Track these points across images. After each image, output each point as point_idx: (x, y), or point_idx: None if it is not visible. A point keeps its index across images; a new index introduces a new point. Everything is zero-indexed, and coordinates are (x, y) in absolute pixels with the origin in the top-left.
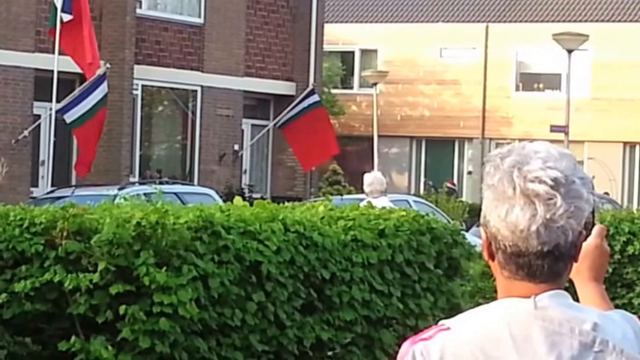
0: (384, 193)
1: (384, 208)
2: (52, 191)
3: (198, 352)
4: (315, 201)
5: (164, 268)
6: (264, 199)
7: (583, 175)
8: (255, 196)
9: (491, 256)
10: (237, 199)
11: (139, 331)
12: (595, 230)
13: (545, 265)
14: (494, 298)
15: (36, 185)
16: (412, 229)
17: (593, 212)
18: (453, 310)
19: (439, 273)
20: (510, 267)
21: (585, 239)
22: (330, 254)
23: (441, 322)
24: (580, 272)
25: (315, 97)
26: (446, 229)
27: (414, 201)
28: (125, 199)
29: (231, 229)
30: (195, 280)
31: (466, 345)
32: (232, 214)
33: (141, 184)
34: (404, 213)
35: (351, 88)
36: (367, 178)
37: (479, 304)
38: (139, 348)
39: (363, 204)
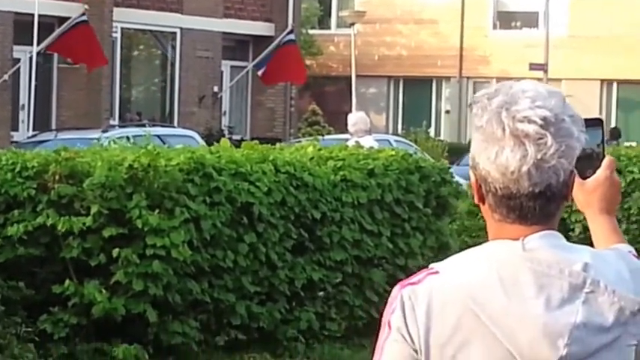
0: (368, 132)
1: (371, 147)
2: (34, 135)
3: (191, 294)
4: (297, 142)
5: (156, 211)
6: (243, 140)
7: (573, 112)
8: (235, 137)
9: (482, 199)
10: (224, 141)
11: (132, 274)
12: (605, 162)
13: (537, 206)
14: (481, 237)
15: (16, 129)
16: (401, 169)
17: (603, 144)
18: (442, 249)
19: (428, 212)
20: (501, 210)
21: (593, 173)
22: (320, 194)
23: (430, 266)
24: (591, 205)
25: (291, 36)
26: (434, 167)
27: (395, 140)
28: (114, 141)
29: (223, 171)
30: (188, 223)
31: (454, 289)
32: (223, 155)
33: (121, 126)
34: (393, 152)
35: (329, 28)
36: (351, 118)
37: (466, 243)
38: (133, 291)
39: (350, 143)
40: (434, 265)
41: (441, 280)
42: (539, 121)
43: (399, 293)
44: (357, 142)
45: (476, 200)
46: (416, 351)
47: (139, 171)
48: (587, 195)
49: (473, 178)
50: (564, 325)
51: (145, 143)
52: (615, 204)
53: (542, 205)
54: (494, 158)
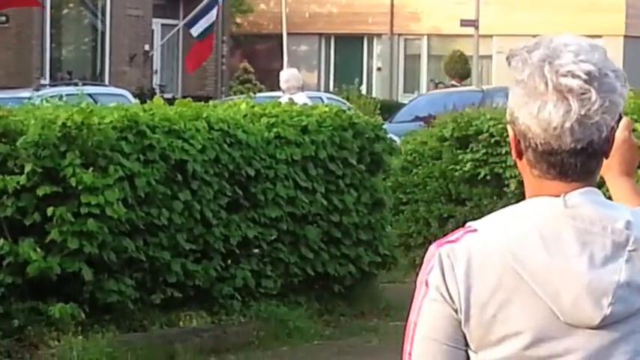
0: (300, 89)
1: (305, 104)
2: None
3: (126, 252)
4: (229, 100)
5: (90, 169)
6: (175, 98)
7: (615, 67)
8: (166, 96)
9: (519, 155)
10: (157, 99)
11: (67, 233)
12: (622, 123)
13: (578, 162)
14: (415, 193)
15: None
16: (335, 125)
17: None
18: (376, 206)
19: (362, 168)
20: (541, 165)
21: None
22: (254, 152)
23: (468, 224)
24: (610, 168)
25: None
26: (368, 124)
27: (327, 97)
28: (47, 100)
29: (156, 128)
30: (122, 180)
31: (494, 246)
32: (156, 113)
33: (52, 85)
34: (326, 109)
35: None
36: (283, 74)
37: (400, 199)
38: (68, 249)
39: (282, 100)
40: (471, 224)
41: (481, 238)
42: (584, 76)
43: (437, 252)
44: (290, 99)
45: (513, 155)
46: (456, 310)
47: (72, 129)
48: (607, 159)
49: (511, 133)
50: (608, 284)
51: (77, 102)
52: (634, 165)
53: (583, 162)
54: (537, 113)
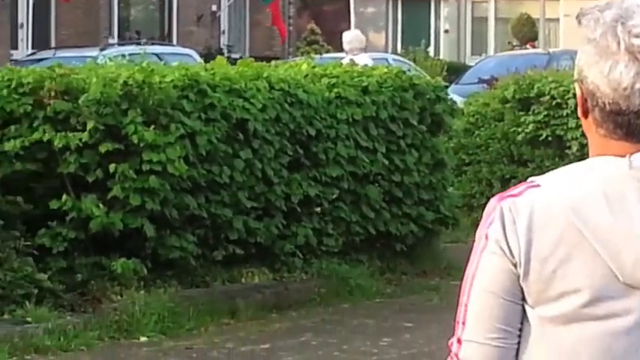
0: (363, 50)
1: (366, 65)
2: (33, 53)
3: (188, 209)
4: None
5: (152, 127)
6: (242, 58)
7: None
8: (234, 56)
9: (585, 113)
10: (219, 59)
11: (129, 189)
12: None
13: None
14: (478, 154)
15: (16, 47)
16: (395, 86)
17: None
18: (438, 166)
19: (423, 129)
20: (607, 125)
21: None
22: (315, 111)
23: (530, 179)
24: None
25: None
26: (428, 85)
27: (393, 59)
28: (110, 59)
29: (217, 88)
30: (183, 138)
31: (557, 202)
32: (217, 72)
33: (120, 44)
34: (386, 70)
35: None
36: (346, 35)
37: (462, 160)
38: (130, 205)
39: (344, 61)
40: (534, 179)
41: (543, 194)
42: None
43: (498, 205)
44: (351, 60)
45: (579, 114)
46: (515, 265)
47: (133, 87)
48: None
49: (578, 92)
50: None
51: (140, 61)
52: None
53: None
54: (607, 73)
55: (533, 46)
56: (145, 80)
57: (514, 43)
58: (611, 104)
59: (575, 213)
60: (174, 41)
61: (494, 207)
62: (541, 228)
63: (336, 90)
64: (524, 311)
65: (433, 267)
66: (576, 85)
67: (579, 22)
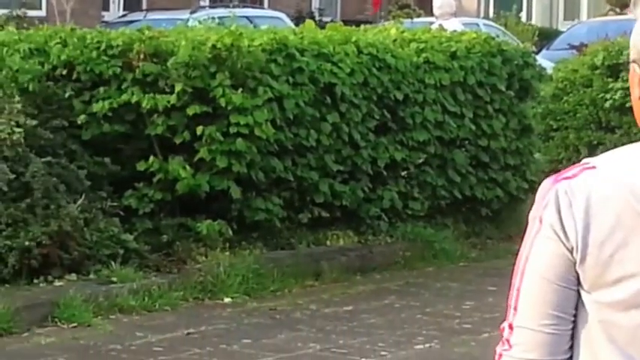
0: (453, 15)
1: (455, 30)
2: (124, 15)
3: (274, 172)
4: (385, 24)
5: (239, 90)
6: (334, 22)
7: None
8: (325, 19)
9: None
10: (309, 23)
11: (216, 152)
12: None
13: None
14: (566, 120)
15: (107, 9)
16: (483, 52)
17: None
18: (525, 132)
19: (510, 94)
20: None
21: None
22: (402, 76)
23: (584, 160)
24: None
25: None
26: (517, 51)
27: (484, 24)
28: (199, 22)
29: (305, 52)
30: (271, 102)
31: (615, 185)
32: (305, 36)
33: (211, 7)
34: (475, 35)
35: None
36: (437, 1)
37: (550, 126)
38: (217, 168)
39: (434, 26)
40: (589, 160)
41: (600, 176)
42: None
43: (554, 187)
44: (440, 25)
45: (636, 95)
46: (571, 250)
47: (222, 51)
48: None
49: (633, 72)
50: None
51: (230, 24)
52: None
53: None
54: None
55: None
56: (234, 44)
57: (609, 8)
58: None
59: (634, 195)
60: (266, 4)
61: (549, 189)
62: (598, 211)
63: (424, 55)
64: (579, 296)
65: (518, 231)
66: (634, 66)
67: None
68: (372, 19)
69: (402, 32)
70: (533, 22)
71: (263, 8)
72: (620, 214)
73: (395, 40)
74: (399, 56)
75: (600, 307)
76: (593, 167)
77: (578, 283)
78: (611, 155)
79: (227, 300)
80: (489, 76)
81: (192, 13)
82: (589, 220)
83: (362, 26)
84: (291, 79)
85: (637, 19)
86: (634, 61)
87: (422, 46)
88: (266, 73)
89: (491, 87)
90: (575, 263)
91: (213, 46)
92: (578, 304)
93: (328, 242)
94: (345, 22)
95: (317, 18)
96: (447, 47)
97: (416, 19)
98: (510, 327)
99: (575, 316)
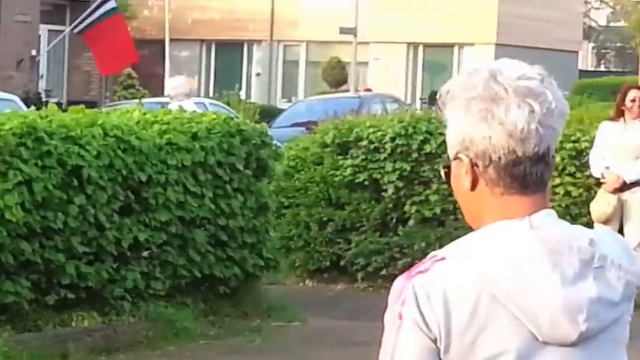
0: (188, 96)
1: (194, 111)
2: None
3: (23, 255)
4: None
5: None
6: (60, 103)
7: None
8: (52, 100)
9: (475, 183)
10: (52, 106)
11: None
12: None
13: (538, 172)
14: (297, 197)
15: None
16: (223, 132)
17: None
18: (262, 209)
19: (249, 173)
20: (505, 180)
21: None
22: (146, 157)
23: (432, 253)
24: None
25: (112, 4)
26: (255, 130)
27: (210, 103)
28: None
29: (54, 135)
30: (20, 185)
31: (468, 273)
32: (54, 120)
33: None
34: (215, 116)
35: None
36: (172, 82)
37: (282, 203)
38: None
39: (171, 107)
40: (437, 252)
41: (452, 266)
42: (537, 77)
43: (409, 283)
44: (180, 106)
45: (464, 187)
46: (434, 340)
47: None
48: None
49: (459, 168)
50: (582, 301)
51: None
52: None
53: (542, 171)
54: (504, 116)
55: (369, 90)
56: None
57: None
58: (507, 154)
59: (487, 281)
60: None
61: (404, 286)
62: (456, 300)
63: (167, 136)
64: None
65: (255, 308)
66: (455, 164)
67: (444, 101)
68: (98, 100)
69: (145, 114)
70: (252, 100)
71: None
72: (477, 301)
73: (138, 122)
74: (143, 138)
75: None
76: (443, 259)
77: None
78: (459, 246)
79: None
80: (229, 155)
81: None
82: (449, 309)
83: (102, 108)
84: (40, 162)
85: (447, 120)
86: (454, 159)
87: (164, 127)
88: (16, 156)
89: (230, 166)
90: (439, 352)
91: None
92: None
93: (74, 323)
94: (72, 103)
95: (44, 99)
96: (189, 128)
97: (145, 100)
98: None
99: None
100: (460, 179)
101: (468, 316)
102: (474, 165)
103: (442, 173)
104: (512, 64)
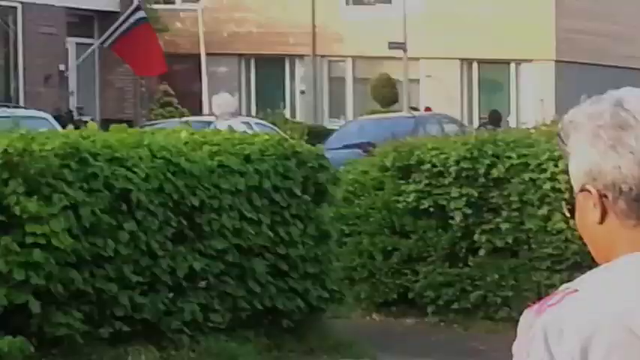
0: (234, 114)
1: (244, 132)
2: None
3: (73, 284)
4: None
5: (34, 197)
6: (93, 121)
7: None
8: (84, 118)
9: (604, 216)
10: (92, 125)
11: (13, 263)
12: None
13: None
14: (358, 225)
15: None
16: (278, 154)
17: None
18: (323, 238)
19: (307, 199)
20: (638, 212)
21: None
22: (198, 181)
23: (564, 286)
24: None
25: (142, 13)
26: (310, 152)
27: (256, 123)
28: None
29: (99, 156)
30: (66, 210)
31: (603, 309)
32: (97, 140)
33: None
34: (268, 137)
35: (173, 3)
36: (216, 99)
37: (342, 231)
38: (14, 280)
39: (218, 127)
40: (569, 285)
41: (585, 301)
42: None
43: (540, 319)
44: (229, 125)
45: (593, 220)
46: None
47: (14, 156)
48: None
49: (593, 196)
50: None
51: (11, 127)
52: None
53: None
54: (635, 145)
55: (429, 110)
56: (26, 148)
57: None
58: (637, 185)
59: (623, 315)
60: (21, 102)
61: (534, 321)
62: (591, 336)
63: (218, 158)
64: None
65: (321, 344)
66: (581, 195)
67: (567, 132)
68: (134, 118)
69: (192, 134)
70: (297, 118)
71: (25, 108)
72: (613, 338)
73: (186, 143)
74: (193, 160)
75: None
76: (575, 291)
77: None
78: (593, 277)
79: None
80: (285, 179)
81: None
82: (584, 346)
83: (145, 127)
84: (85, 186)
85: (569, 152)
86: (581, 190)
87: (215, 149)
88: (60, 179)
89: (287, 191)
90: None
91: (5, 151)
92: None
93: (130, 358)
94: (106, 121)
95: (76, 117)
96: (241, 150)
97: (191, 118)
98: None
99: None
100: (588, 212)
101: (605, 351)
102: (602, 197)
103: (565, 210)
104: (635, 92)
